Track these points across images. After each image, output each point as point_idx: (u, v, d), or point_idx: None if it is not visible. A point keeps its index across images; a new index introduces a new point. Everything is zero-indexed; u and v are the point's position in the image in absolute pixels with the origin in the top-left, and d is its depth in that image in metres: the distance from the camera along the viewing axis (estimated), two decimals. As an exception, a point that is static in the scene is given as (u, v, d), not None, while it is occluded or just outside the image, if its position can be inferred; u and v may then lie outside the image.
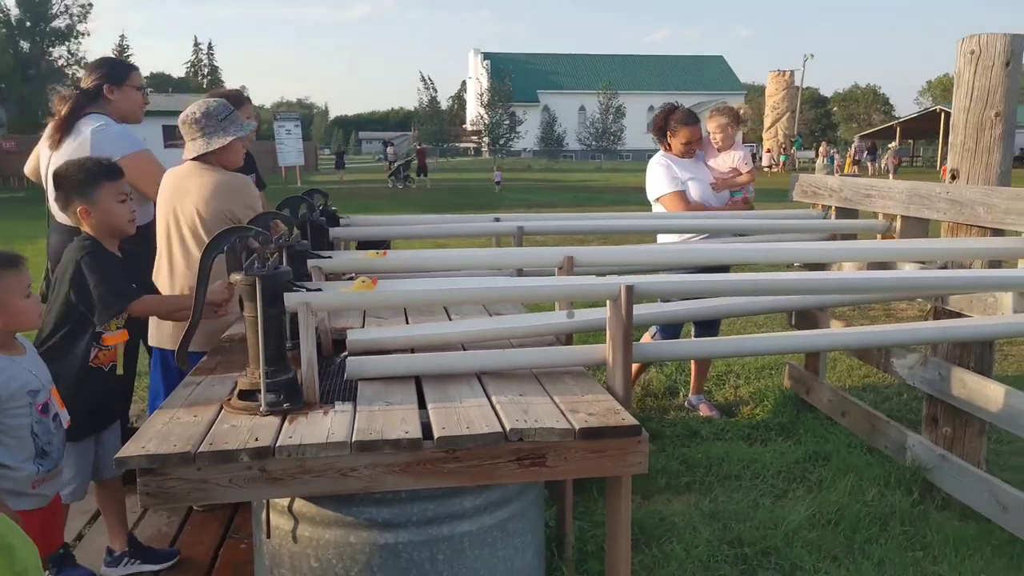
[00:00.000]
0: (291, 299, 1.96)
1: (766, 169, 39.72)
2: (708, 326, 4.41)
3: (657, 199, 4.45)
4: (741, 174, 4.47)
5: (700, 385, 4.79)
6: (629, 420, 1.87)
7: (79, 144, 3.08)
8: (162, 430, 1.81)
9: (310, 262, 2.62)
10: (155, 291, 2.66)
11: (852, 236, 4.02)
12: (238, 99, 3.63)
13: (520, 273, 3.02)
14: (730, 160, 4.45)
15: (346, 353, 2.45)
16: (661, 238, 4.36)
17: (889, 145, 33.03)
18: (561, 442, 1.82)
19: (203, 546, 2.76)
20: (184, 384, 2.20)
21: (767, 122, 43.73)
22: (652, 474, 3.56)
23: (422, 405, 2.03)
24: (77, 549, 2.76)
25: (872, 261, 3.38)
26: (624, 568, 2.03)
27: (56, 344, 2.41)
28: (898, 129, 43.45)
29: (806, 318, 4.08)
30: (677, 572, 2.89)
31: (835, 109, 79.19)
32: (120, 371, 2.53)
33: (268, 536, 1.91)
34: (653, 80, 67.98)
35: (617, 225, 4.11)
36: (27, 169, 3.50)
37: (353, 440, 1.75)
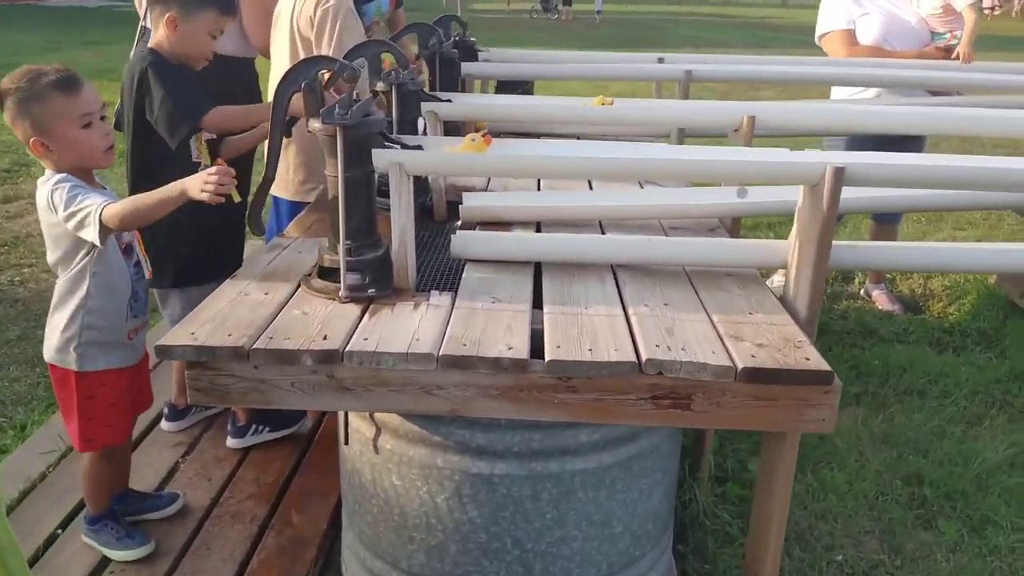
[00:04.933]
0: (381, 157, 1.53)
1: (987, 11, 33.92)
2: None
3: (819, 39, 3.59)
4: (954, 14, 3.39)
5: (881, 272, 4.02)
6: (817, 362, 1.36)
7: None
8: (222, 311, 1.50)
9: (424, 105, 2.16)
10: None
11: None
12: None
13: (681, 135, 2.42)
14: None
15: (459, 223, 2.04)
16: (835, 92, 3.55)
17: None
18: (715, 382, 1.34)
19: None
20: (269, 247, 1.88)
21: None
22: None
23: (538, 303, 1.60)
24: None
25: None
26: (776, 541, 1.59)
27: (146, 177, 2.12)
28: None
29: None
30: (836, 508, 2.43)
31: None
32: (237, 199, 2.24)
33: (346, 443, 1.62)
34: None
35: (811, 73, 3.30)
36: None
37: (441, 353, 1.36)
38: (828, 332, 3.65)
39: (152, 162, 2.18)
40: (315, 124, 1.50)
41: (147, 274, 1.96)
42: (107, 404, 1.84)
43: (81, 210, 1.62)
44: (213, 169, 1.57)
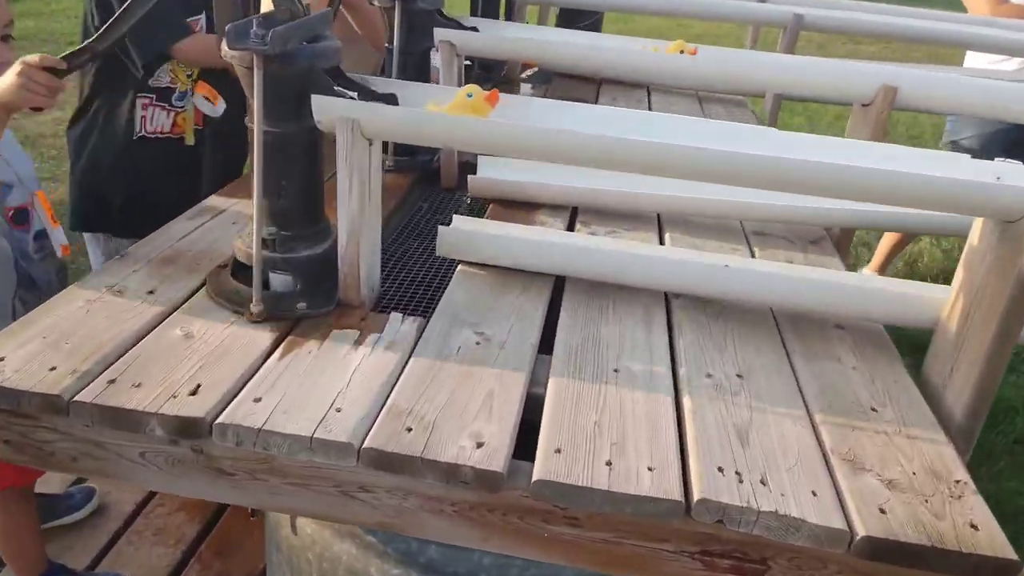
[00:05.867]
0: (323, 108, 0.99)
1: None
2: None
3: None
4: None
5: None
6: (992, 540, 0.79)
7: None
8: (69, 319, 1.01)
9: (439, 33, 1.60)
10: None
11: None
12: None
13: (778, 100, 1.80)
14: None
15: (468, 198, 1.51)
16: (969, 58, 2.97)
17: None
18: (811, 550, 0.80)
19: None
20: (192, 213, 1.36)
21: None
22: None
23: (547, 347, 1.07)
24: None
25: None
26: None
27: (97, 110, 1.77)
28: None
29: None
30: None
31: None
32: (190, 141, 1.81)
33: (252, 515, 1.14)
34: None
35: (951, 31, 2.59)
36: None
37: (365, 446, 0.84)
38: (920, 350, 3.02)
39: (93, 89, 1.74)
40: (225, 49, 0.97)
41: (60, 250, 1.48)
42: None
43: None
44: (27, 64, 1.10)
